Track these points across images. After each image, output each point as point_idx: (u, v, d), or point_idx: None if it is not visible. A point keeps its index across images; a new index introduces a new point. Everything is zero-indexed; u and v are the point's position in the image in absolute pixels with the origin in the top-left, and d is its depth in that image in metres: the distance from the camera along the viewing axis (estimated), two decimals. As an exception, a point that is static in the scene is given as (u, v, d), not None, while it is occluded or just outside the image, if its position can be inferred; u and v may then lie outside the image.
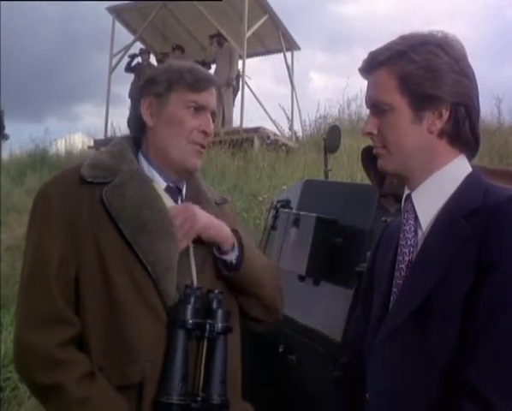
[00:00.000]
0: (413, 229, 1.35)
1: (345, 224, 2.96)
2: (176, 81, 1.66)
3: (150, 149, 1.71)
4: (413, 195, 1.35)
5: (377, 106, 1.35)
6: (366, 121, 1.38)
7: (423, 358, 1.22)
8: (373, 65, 1.35)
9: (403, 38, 1.34)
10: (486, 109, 12.85)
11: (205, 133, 1.68)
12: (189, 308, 1.54)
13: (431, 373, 1.21)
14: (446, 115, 1.31)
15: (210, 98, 1.70)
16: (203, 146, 1.71)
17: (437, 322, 1.21)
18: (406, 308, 1.27)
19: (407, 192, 1.39)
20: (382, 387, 1.31)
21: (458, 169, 1.34)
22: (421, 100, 1.30)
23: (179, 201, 1.74)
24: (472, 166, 1.36)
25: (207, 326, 1.56)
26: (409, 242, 1.34)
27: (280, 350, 2.60)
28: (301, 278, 3.12)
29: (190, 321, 1.53)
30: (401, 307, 1.29)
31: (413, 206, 1.35)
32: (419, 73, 1.29)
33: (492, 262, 1.16)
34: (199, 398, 1.53)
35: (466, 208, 1.25)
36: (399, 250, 1.37)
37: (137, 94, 1.73)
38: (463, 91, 1.32)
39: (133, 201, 1.60)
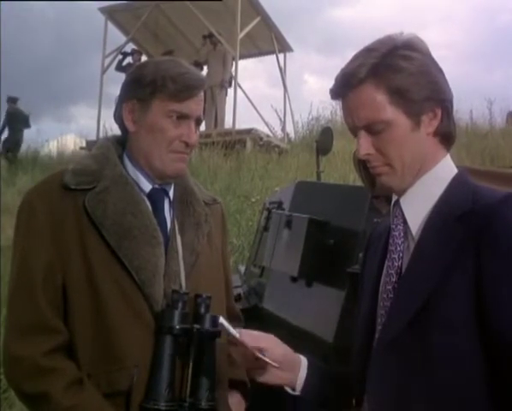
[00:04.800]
0: (402, 234, 1.32)
1: (337, 226, 2.96)
2: (159, 89, 1.60)
3: (133, 151, 1.68)
4: (402, 201, 1.33)
5: (370, 126, 1.28)
6: (359, 143, 1.30)
7: (424, 365, 1.20)
8: (353, 83, 1.27)
9: (372, 50, 1.28)
10: (478, 111, 12.98)
11: (186, 143, 1.64)
12: (176, 314, 1.52)
13: (432, 379, 1.19)
14: (439, 113, 1.28)
15: (194, 106, 1.63)
16: (187, 153, 1.67)
17: (438, 327, 1.19)
18: (404, 316, 1.24)
19: (395, 198, 1.36)
20: (382, 398, 1.30)
21: (444, 171, 1.32)
22: (418, 106, 1.26)
23: (166, 203, 1.71)
24: (457, 167, 1.35)
25: (195, 331, 1.54)
26: (399, 248, 1.32)
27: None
28: (294, 280, 3.13)
29: (177, 327, 1.52)
30: (399, 316, 1.26)
31: (401, 211, 1.33)
32: (409, 79, 1.25)
33: (499, 272, 1.15)
34: (187, 404, 1.52)
35: (456, 211, 1.23)
36: (388, 255, 1.34)
37: (122, 93, 1.68)
38: (444, 86, 1.30)
39: (116, 208, 1.58)
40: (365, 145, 1.29)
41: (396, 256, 1.32)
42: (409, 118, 1.27)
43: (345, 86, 1.29)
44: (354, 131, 1.31)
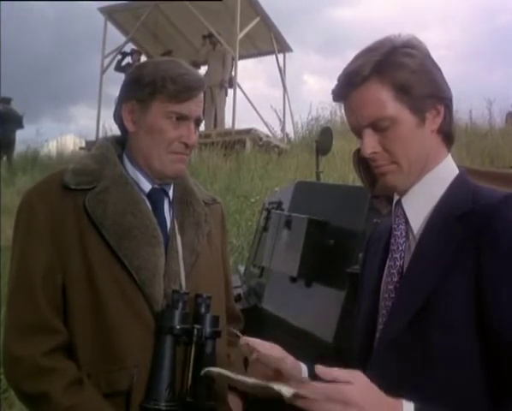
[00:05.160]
0: (404, 233, 1.33)
1: (337, 226, 2.96)
2: (159, 90, 1.60)
3: (133, 151, 1.68)
4: (404, 200, 1.33)
5: (375, 124, 1.28)
6: (365, 142, 1.29)
7: (424, 365, 1.20)
8: (357, 82, 1.27)
9: (374, 49, 1.29)
10: (478, 111, 12.99)
11: (185, 144, 1.64)
12: (177, 314, 1.53)
13: (432, 379, 1.19)
14: (442, 110, 1.29)
15: (193, 106, 1.63)
16: (186, 154, 1.67)
17: (438, 327, 1.19)
18: (404, 316, 1.24)
19: (396, 197, 1.36)
20: None
21: (446, 171, 1.32)
22: (421, 102, 1.27)
23: (165, 203, 1.71)
24: (458, 167, 1.36)
25: (195, 331, 1.55)
26: (400, 248, 1.32)
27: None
28: (293, 280, 3.12)
29: (177, 327, 1.52)
30: (399, 315, 1.26)
31: (403, 211, 1.33)
32: (411, 76, 1.26)
33: (499, 272, 1.15)
34: (187, 404, 1.53)
35: (456, 211, 1.24)
36: (390, 255, 1.35)
37: (121, 94, 1.68)
38: (444, 85, 1.31)
39: (116, 208, 1.58)
40: (371, 144, 1.29)
41: (398, 256, 1.32)
42: (414, 114, 1.27)
43: (349, 86, 1.29)
44: (359, 131, 1.31)
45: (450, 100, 1.32)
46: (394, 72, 1.26)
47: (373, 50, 1.28)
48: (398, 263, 1.32)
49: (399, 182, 1.31)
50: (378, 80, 1.26)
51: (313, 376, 1.44)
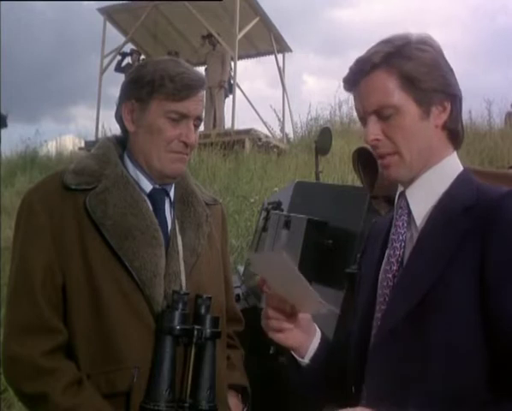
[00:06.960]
0: (405, 224, 1.34)
1: (336, 226, 2.96)
2: (157, 89, 1.60)
3: (133, 151, 1.68)
4: (407, 193, 1.34)
5: (380, 111, 1.30)
6: (368, 128, 1.32)
7: (423, 357, 1.21)
8: (366, 69, 1.30)
9: (387, 42, 1.32)
10: (477, 111, 12.99)
11: (185, 143, 1.64)
12: (177, 314, 1.53)
13: (432, 369, 1.20)
14: (448, 107, 1.31)
15: (192, 105, 1.63)
16: (186, 153, 1.66)
17: (439, 318, 1.19)
18: (405, 306, 1.25)
19: (400, 189, 1.38)
20: (380, 389, 1.30)
21: (451, 166, 1.34)
22: (427, 95, 1.29)
23: (166, 203, 1.71)
24: (462, 165, 1.37)
25: (195, 332, 1.55)
26: (401, 237, 1.33)
27: (271, 352, 2.61)
28: (292, 280, 3.12)
29: (177, 327, 1.52)
30: (400, 305, 1.26)
31: (406, 203, 1.34)
32: (420, 69, 1.28)
33: (503, 266, 1.16)
34: (187, 404, 1.53)
35: (461, 205, 1.25)
36: (390, 244, 1.36)
37: (121, 94, 1.69)
38: (454, 83, 1.33)
39: (117, 208, 1.58)
40: (373, 130, 1.31)
41: (398, 245, 1.33)
42: (419, 107, 1.29)
43: (358, 73, 1.32)
44: (364, 119, 1.34)
45: (460, 99, 1.34)
46: (403, 63, 1.28)
47: (388, 42, 1.32)
48: (398, 252, 1.33)
49: (401, 174, 1.33)
50: (386, 69, 1.29)
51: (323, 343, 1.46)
